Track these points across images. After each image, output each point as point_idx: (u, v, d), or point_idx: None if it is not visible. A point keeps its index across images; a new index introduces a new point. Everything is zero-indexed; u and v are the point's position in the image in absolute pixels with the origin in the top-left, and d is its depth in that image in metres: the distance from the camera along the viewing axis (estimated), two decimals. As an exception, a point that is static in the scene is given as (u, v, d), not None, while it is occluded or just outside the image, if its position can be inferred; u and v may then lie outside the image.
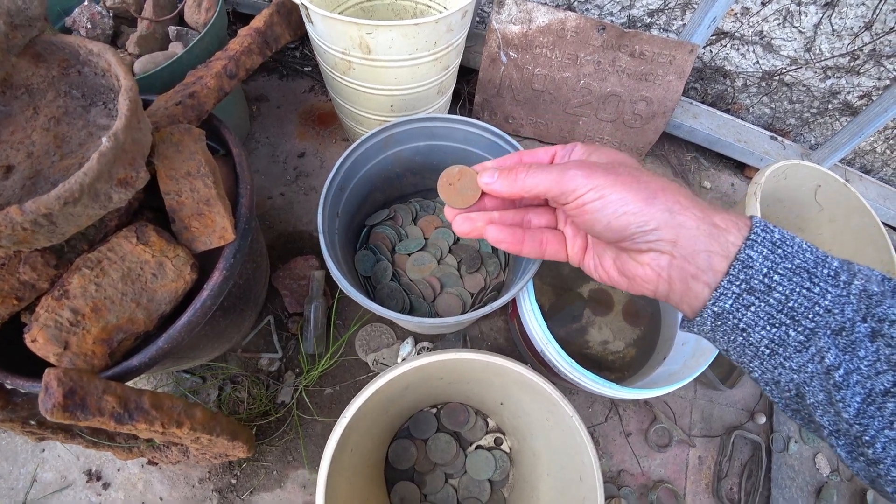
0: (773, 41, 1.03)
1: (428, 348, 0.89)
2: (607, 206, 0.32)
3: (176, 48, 0.80)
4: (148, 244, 0.56)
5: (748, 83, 1.13)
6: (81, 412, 0.50)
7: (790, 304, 0.28)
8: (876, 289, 0.26)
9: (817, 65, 1.04)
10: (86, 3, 0.83)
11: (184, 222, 0.58)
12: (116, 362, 0.57)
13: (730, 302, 0.29)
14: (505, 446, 0.82)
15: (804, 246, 0.28)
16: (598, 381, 0.64)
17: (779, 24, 1.00)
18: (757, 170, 1.15)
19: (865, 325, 0.25)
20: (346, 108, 0.90)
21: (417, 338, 0.91)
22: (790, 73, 1.07)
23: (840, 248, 0.92)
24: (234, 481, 0.80)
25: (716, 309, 0.30)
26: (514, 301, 0.78)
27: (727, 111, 1.18)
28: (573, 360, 0.64)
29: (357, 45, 0.71)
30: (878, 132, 1.11)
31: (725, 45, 1.08)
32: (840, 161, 1.13)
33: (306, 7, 0.70)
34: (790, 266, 0.28)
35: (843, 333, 0.26)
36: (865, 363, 0.25)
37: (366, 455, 0.71)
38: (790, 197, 0.95)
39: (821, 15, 0.96)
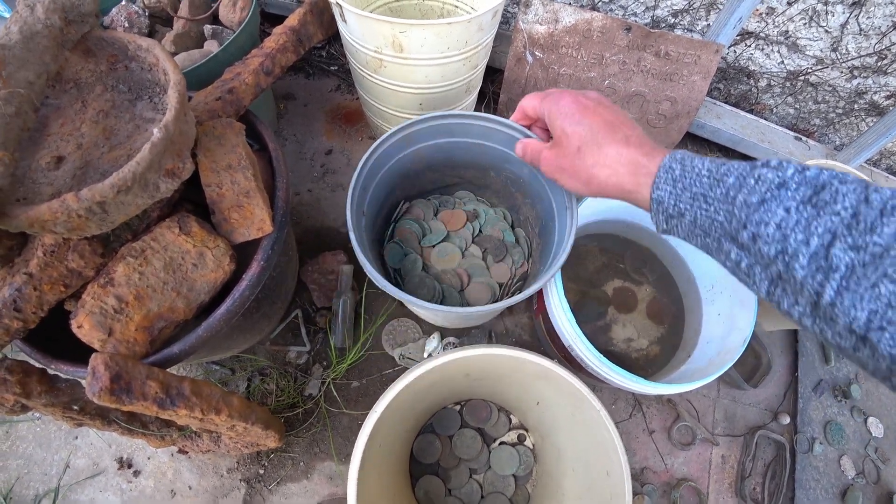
0: (798, 41, 1.03)
1: (454, 344, 0.90)
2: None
3: (211, 46, 0.81)
4: (190, 234, 0.57)
5: (772, 83, 1.13)
6: (126, 396, 0.51)
7: (698, 223, 0.37)
8: (755, 199, 0.32)
9: (843, 65, 1.03)
10: (123, 2, 0.85)
11: (223, 214, 0.59)
12: (156, 350, 0.58)
13: (664, 224, 0.40)
14: (528, 443, 0.82)
15: (703, 172, 0.36)
16: (626, 376, 0.64)
17: (805, 24, 1.00)
18: (780, 170, 1.15)
19: (746, 230, 0.32)
20: (375, 106, 0.92)
21: (444, 333, 0.91)
22: (815, 73, 1.07)
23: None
24: (261, 471, 0.82)
25: (658, 223, 0.41)
26: (540, 297, 0.78)
27: (750, 111, 1.18)
28: (602, 355, 0.65)
29: (390, 44, 0.72)
30: (905, 133, 1.10)
31: (750, 46, 1.08)
32: (866, 162, 1.12)
33: (340, 6, 0.71)
34: (689, 195, 0.36)
35: (737, 237, 0.34)
36: (758, 260, 0.33)
37: (392, 449, 0.72)
38: (816, 197, 0.95)
39: (848, 14, 0.95)
